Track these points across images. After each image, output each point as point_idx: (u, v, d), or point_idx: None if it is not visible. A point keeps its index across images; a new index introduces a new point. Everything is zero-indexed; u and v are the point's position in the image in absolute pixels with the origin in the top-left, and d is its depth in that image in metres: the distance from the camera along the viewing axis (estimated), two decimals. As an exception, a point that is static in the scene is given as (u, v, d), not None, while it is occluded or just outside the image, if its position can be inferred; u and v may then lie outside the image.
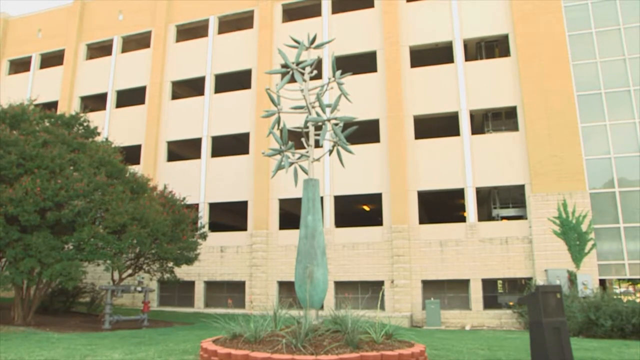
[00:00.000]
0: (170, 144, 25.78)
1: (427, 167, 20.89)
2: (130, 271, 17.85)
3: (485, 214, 22.92)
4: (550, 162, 19.21)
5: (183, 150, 26.46)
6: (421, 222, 21.06)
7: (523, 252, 18.99)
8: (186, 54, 26.47)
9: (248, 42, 25.15)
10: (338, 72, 9.50)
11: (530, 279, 18.68)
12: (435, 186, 20.81)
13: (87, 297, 19.46)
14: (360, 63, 23.11)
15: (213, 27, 26.18)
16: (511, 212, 21.35)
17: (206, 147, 24.53)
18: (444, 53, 22.63)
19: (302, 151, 9.29)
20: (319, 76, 22.41)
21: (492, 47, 23.18)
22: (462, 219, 21.23)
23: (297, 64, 9.52)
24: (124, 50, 28.45)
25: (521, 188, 20.14)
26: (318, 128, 9.52)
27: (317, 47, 9.84)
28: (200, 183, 24.12)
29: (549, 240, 18.56)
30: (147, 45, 27.89)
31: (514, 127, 20.93)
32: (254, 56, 24.69)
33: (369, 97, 22.13)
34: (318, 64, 22.16)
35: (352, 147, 9.37)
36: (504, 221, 20.86)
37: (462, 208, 20.85)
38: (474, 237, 19.66)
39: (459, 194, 21.30)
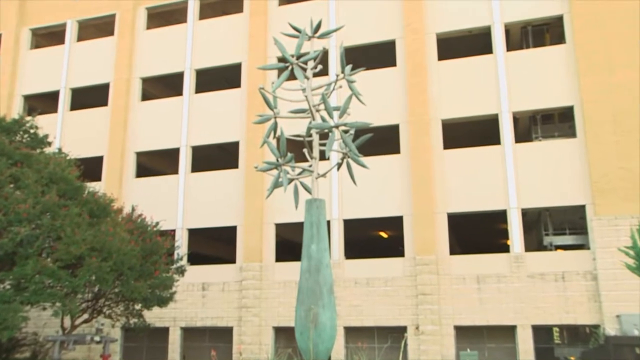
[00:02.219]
0: (140, 155, 25.87)
1: (459, 183, 20.81)
2: (86, 316, 17.79)
3: (534, 243, 22.78)
4: (619, 175, 19.06)
5: (156, 163, 26.53)
6: (452, 252, 20.97)
7: (586, 291, 18.74)
8: (160, 43, 26.72)
9: (237, 30, 25.36)
10: (348, 67, 9.59)
11: (597, 326, 18.42)
12: (470, 207, 20.74)
13: (27, 351, 19.32)
14: (375, 55, 23.23)
15: (193, 10, 26.45)
16: (568, 239, 21.23)
17: (185, 160, 24.58)
18: (479, 41, 22.69)
19: (304, 165, 9.30)
20: (324, 72, 22.42)
21: (542, 33, 23.23)
22: (505, 249, 21.08)
23: (298, 58, 9.57)
24: (80, 38, 28.73)
25: (581, 209, 19.97)
26: (324, 136, 9.48)
27: (322, 36, 9.92)
28: (177, 204, 24.11)
29: (620, 276, 18.21)
30: (111, 33, 28.15)
31: (571, 133, 20.89)
32: (244, 47, 24.86)
33: (386, 97, 22.18)
34: (323, 58, 22.19)
35: (365, 160, 9.36)
36: (559, 251, 20.71)
37: (505, 235, 20.72)
38: (521, 272, 19.44)
39: (501, 217, 21.15)
